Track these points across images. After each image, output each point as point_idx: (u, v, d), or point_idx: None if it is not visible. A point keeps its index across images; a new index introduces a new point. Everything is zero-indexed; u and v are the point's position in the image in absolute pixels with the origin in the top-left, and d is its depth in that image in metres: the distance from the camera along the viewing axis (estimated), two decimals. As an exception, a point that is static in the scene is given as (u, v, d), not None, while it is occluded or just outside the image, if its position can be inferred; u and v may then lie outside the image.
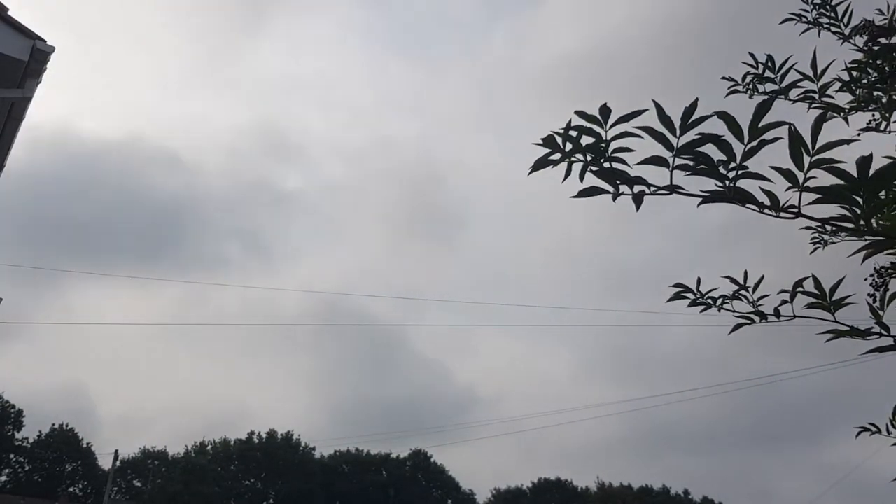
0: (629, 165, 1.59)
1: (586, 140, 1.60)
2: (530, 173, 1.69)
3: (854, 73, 3.06)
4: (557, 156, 1.64)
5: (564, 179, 1.64)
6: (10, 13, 8.30)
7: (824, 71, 2.96)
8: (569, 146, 1.63)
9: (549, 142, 1.64)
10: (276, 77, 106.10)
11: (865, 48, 3.15)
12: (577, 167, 1.64)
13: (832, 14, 3.37)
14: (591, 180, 1.62)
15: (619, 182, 1.58)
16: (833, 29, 3.38)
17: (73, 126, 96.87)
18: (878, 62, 3.05)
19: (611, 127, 1.58)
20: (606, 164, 1.60)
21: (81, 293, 79.44)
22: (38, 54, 8.34)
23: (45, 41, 8.37)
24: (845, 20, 3.34)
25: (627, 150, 1.58)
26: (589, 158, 1.62)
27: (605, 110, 1.57)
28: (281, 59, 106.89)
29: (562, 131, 1.62)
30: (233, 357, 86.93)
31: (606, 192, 1.59)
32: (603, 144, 1.59)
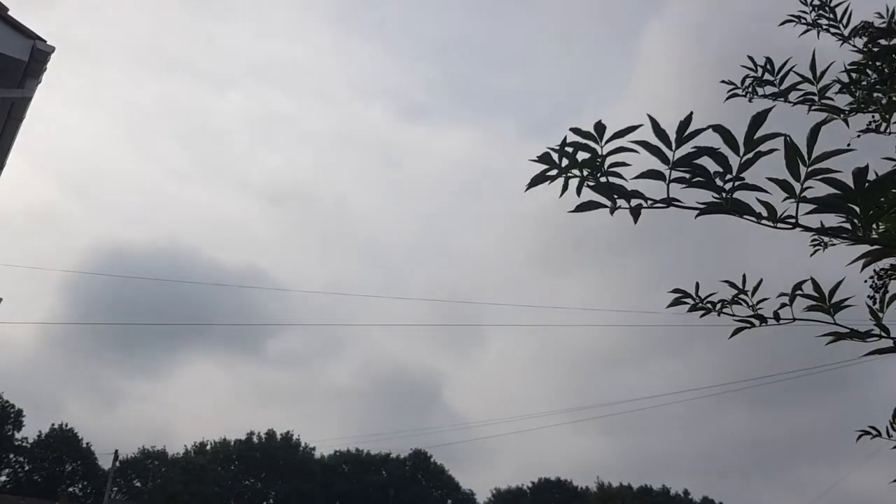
0: (626, 179, 1.59)
1: (582, 155, 1.61)
2: (528, 189, 1.69)
3: (853, 75, 3.05)
4: (554, 172, 1.65)
5: (561, 195, 1.64)
6: (9, 13, 8.29)
7: (824, 73, 2.96)
8: (565, 162, 1.63)
9: (545, 158, 1.65)
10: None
11: (865, 49, 3.15)
12: (573, 183, 1.65)
13: (831, 15, 3.37)
14: (589, 195, 1.62)
15: (616, 196, 1.58)
16: (832, 30, 3.37)
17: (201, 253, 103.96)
18: (878, 64, 3.04)
19: (606, 142, 1.59)
20: (603, 179, 1.61)
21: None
22: (38, 54, 8.34)
23: (45, 41, 8.37)
24: (844, 21, 3.34)
25: (624, 164, 1.59)
26: (585, 174, 1.62)
27: (600, 126, 1.58)
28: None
29: (558, 148, 1.62)
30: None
31: (604, 206, 1.60)
32: (599, 160, 1.60)
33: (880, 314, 2.18)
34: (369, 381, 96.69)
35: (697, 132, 1.48)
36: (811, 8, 3.41)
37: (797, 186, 1.44)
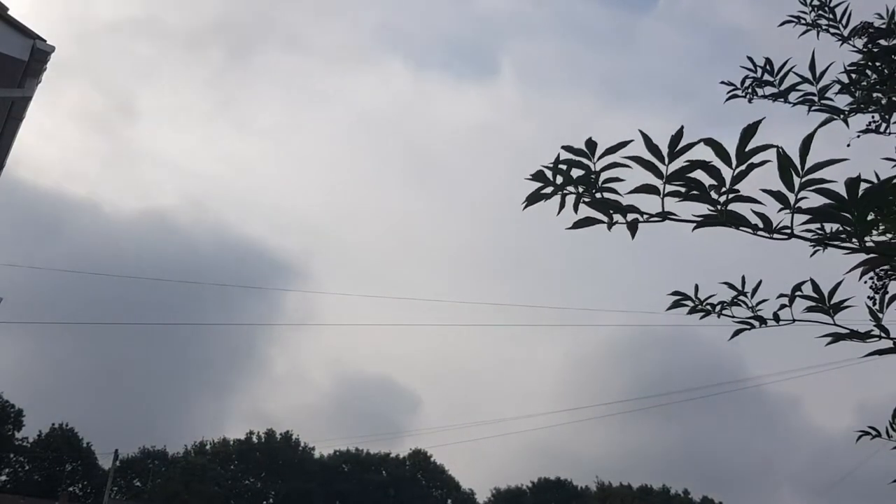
0: (621, 195, 1.60)
1: (576, 172, 1.62)
2: (525, 208, 1.70)
3: (853, 75, 3.05)
4: (550, 189, 1.66)
5: (559, 212, 1.65)
6: (9, 13, 8.29)
7: (823, 73, 2.96)
8: (559, 179, 1.64)
9: (539, 176, 1.66)
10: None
11: (864, 50, 3.15)
12: (570, 200, 1.66)
13: (831, 16, 3.37)
14: (586, 212, 1.64)
15: (612, 211, 1.59)
16: (832, 31, 3.37)
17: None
18: (878, 64, 3.04)
19: (599, 158, 1.60)
20: (598, 195, 1.62)
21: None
22: (38, 54, 8.34)
23: (45, 41, 8.37)
24: (844, 21, 3.34)
25: (618, 179, 1.60)
26: (581, 190, 1.63)
27: (591, 144, 1.60)
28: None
29: (551, 166, 1.63)
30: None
31: (601, 222, 1.60)
32: (593, 176, 1.61)
33: (880, 315, 2.18)
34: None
35: (689, 146, 1.49)
36: (811, 8, 3.41)
37: (791, 197, 1.45)
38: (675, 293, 2.28)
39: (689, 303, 2.31)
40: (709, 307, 2.33)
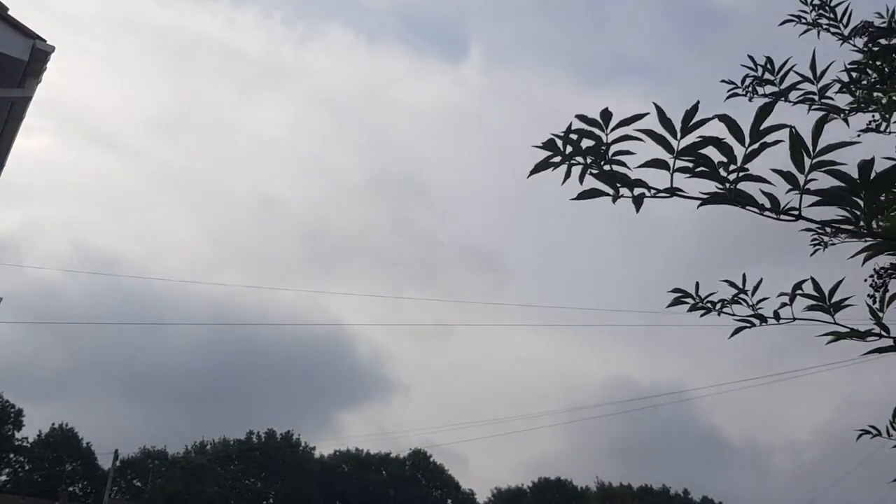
0: (629, 168, 1.58)
1: (587, 143, 1.60)
2: (530, 176, 1.68)
3: (854, 75, 3.05)
4: (558, 158, 1.64)
5: (564, 182, 1.63)
6: (9, 13, 8.29)
7: (824, 72, 2.96)
8: (569, 149, 1.62)
9: (549, 145, 1.63)
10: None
11: (865, 49, 3.15)
12: (576, 170, 1.63)
13: (831, 15, 3.37)
14: (592, 183, 1.61)
15: (619, 185, 1.57)
16: (832, 30, 3.37)
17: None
18: (878, 63, 3.04)
19: (611, 130, 1.58)
20: (607, 167, 1.59)
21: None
22: (38, 54, 8.32)
23: (45, 41, 8.36)
24: (844, 21, 3.34)
25: (628, 152, 1.58)
26: (589, 161, 1.61)
27: (606, 114, 1.57)
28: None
29: (562, 134, 1.61)
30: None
31: (606, 194, 1.59)
32: (603, 147, 1.59)
33: (880, 313, 2.18)
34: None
35: (703, 122, 1.47)
36: (811, 8, 3.41)
37: (801, 178, 1.44)
38: (676, 290, 2.28)
39: (689, 300, 2.30)
40: (709, 305, 2.33)
